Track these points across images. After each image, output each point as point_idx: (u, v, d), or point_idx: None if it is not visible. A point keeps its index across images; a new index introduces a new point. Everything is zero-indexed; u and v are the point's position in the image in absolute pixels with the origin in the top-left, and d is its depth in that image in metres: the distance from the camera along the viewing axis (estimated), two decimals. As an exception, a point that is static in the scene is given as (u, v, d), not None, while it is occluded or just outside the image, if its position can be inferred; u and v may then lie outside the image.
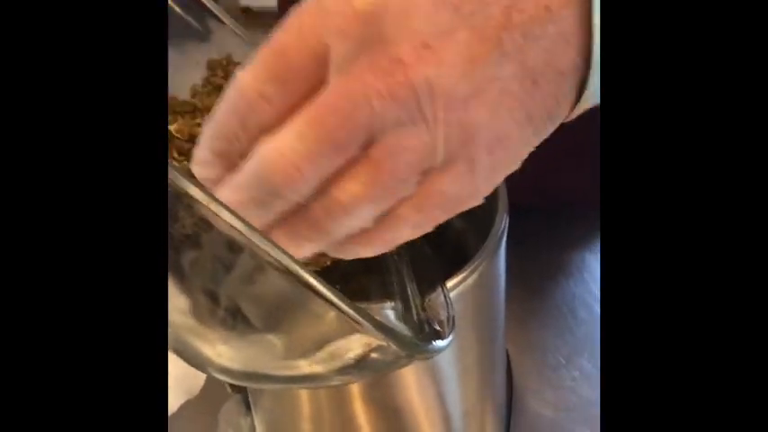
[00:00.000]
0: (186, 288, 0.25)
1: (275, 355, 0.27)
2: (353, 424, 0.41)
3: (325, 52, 0.23)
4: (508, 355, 0.51)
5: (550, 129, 0.26)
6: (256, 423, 0.46)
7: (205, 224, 0.22)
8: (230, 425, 0.50)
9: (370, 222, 0.25)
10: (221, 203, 0.21)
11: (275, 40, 0.24)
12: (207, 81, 0.36)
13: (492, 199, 0.38)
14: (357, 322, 0.23)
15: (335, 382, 0.28)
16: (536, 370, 0.51)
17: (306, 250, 0.26)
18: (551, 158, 0.58)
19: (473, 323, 0.37)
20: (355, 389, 0.39)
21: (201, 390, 0.49)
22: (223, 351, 0.27)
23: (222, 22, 0.35)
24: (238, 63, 0.36)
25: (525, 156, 0.26)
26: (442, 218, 0.26)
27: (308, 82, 0.24)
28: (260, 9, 1.38)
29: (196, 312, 0.26)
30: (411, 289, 0.33)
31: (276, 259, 0.22)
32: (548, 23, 0.24)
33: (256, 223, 0.24)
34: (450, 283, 0.34)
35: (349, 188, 0.24)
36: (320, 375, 0.27)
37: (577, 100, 0.26)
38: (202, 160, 0.26)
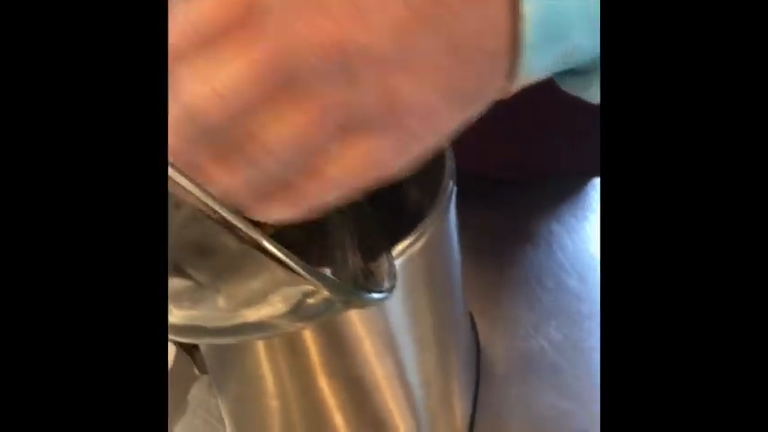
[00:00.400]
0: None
1: (215, 307, 0.27)
2: (319, 397, 0.41)
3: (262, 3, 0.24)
4: (475, 326, 0.52)
5: (479, 107, 0.26)
6: (221, 406, 0.47)
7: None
8: (201, 406, 0.50)
9: (293, 173, 0.25)
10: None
11: None
12: None
13: (440, 165, 0.38)
14: (289, 268, 0.24)
15: (277, 329, 0.29)
16: (504, 340, 0.51)
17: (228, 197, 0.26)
18: (521, 131, 0.59)
19: (425, 289, 0.37)
20: (316, 362, 0.39)
21: (170, 372, 0.49)
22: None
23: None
24: None
25: (452, 130, 0.27)
26: (364, 181, 0.26)
27: (245, 28, 0.24)
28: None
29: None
30: (351, 248, 0.33)
31: (205, 204, 0.23)
32: (476, 5, 0.24)
33: (186, 162, 0.24)
34: (397, 248, 0.34)
35: (270, 127, 0.24)
36: (261, 324, 0.28)
37: (511, 80, 0.26)
38: None
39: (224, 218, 0.24)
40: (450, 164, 0.38)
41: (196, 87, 0.24)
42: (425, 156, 0.27)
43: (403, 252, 0.34)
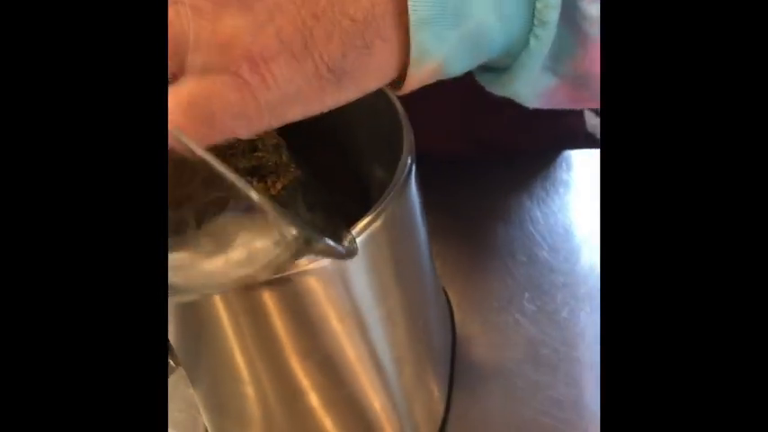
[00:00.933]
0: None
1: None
2: (293, 380, 0.41)
3: None
4: (449, 302, 0.52)
5: (346, 85, 0.25)
6: (197, 397, 0.46)
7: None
8: (179, 397, 0.50)
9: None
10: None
11: None
12: None
13: (398, 143, 0.38)
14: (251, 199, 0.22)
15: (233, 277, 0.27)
16: (478, 314, 0.51)
17: None
18: (488, 109, 0.59)
19: (389, 266, 0.37)
20: (287, 345, 0.39)
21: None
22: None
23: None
24: None
25: (309, 103, 0.25)
26: (188, 131, 0.23)
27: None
28: None
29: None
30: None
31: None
32: None
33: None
34: (358, 226, 0.34)
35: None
36: (218, 272, 0.26)
37: (401, 59, 0.25)
38: None
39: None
40: (408, 138, 0.38)
41: None
42: (259, 121, 0.24)
43: (364, 229, 0.34)
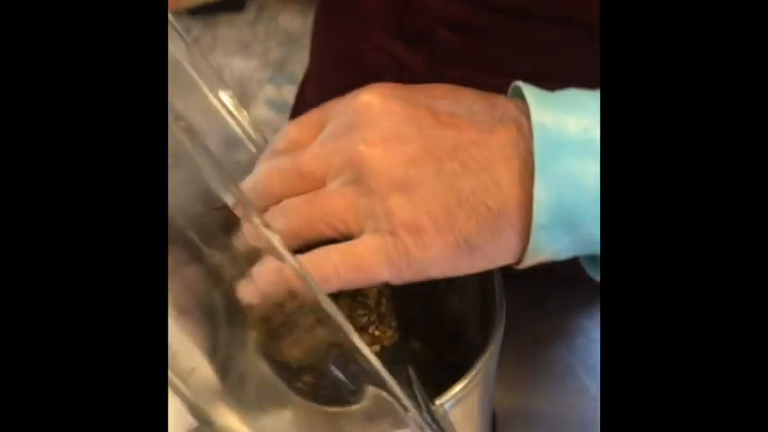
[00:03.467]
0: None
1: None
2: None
3: (327, 123, 0.34)
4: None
5: (477, 257, 0.32)
6: None
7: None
8: None
9: (292, 240, 0.32)
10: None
11: (315, 109, 0.36)
12: None
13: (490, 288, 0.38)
14: (407, 409, 0.29)
15: None
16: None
17: None
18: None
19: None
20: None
21: None
22: (257, 423, 0.32)
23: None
24: None
25: (448, 267, 0.32)
26: (353, 272, 0.32)
27: (313, 136, 0.34)
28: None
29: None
30: (426, 401, 0.33)
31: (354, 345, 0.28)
32: (486, 168, 0.32)
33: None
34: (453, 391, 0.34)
35: (293, 201, 0.33)
36: None
37: (521, 248, 0.32)
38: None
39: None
40: (500, 295, 0.38)
41: (262, 167, 0.35)
42: (408, 273, 0.32)
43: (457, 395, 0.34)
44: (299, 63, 1.61)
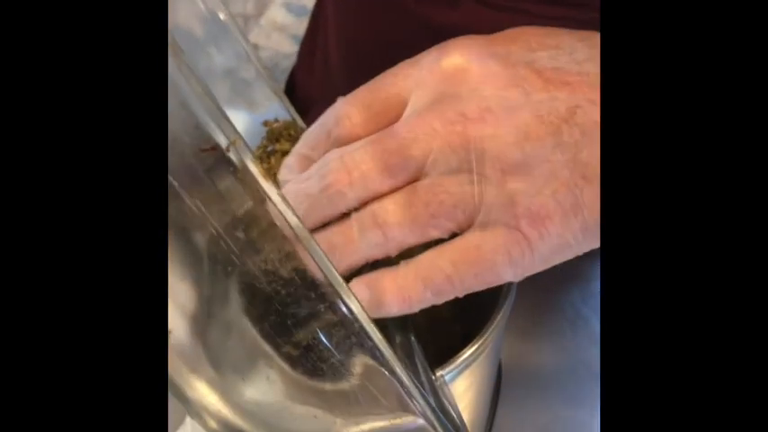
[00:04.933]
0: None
1: (302, 416, 0.27)
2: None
3: (408, 97, 0.28)
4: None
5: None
6: None
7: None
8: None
9: (395, 249, 0.27)
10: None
11: (374, 80, 0.29)
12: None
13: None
14: (411, 397, 0.24)
15: None
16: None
17: (335, 258, 0.27)
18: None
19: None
20: None
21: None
22: (245, 399, 0.28)
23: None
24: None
25: (572, 252, 0.27)
26: (476, 279, 0.27)
27: (388, 116, 0.28)
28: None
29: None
30: (428, 374, 0.30)
31: (351, 312, 0.23)
32: None
33: (305, 220, 0.26)
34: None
35: (385, 205, 0.27)
36: None
37: None
38: (288, 163, 0.30)
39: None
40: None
41: (332, 163, 0.27)
42: (531, 269, 0.27)
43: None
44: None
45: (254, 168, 0.23)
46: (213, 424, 0.28)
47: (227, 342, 0.29)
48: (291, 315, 0.25)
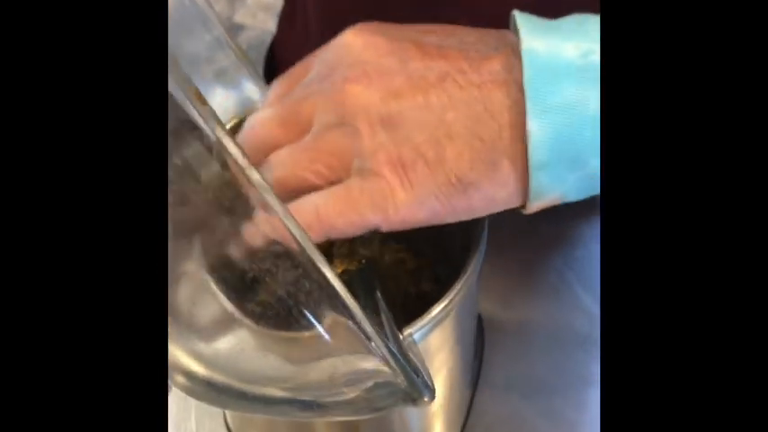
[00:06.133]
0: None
1: (270, 364, 0.28)
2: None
3: (311, 68, 0.32)
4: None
5: (472, 195, 0.29)
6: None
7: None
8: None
9: (283, 192, 0.30)
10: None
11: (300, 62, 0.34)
12: None
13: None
14: (374, 343, 0.25)
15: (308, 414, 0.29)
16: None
17: None
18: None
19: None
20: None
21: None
22: (206, 350, 0.28)
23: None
24: None
25: (439, 204, 0.29)
26: (341, 218, 0.29)
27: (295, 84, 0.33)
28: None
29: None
30: (393, 328, 0.30)
31: (309, 258, 0.24)
32: (476, 97, 0.28)
33: None
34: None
35: (280, 152, 0.31)
36: (299, 402, 0.28)
37: (523, 191, 0.29)
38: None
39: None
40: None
41: (251, 121, 0.33)
42: (396, 216, 0.29)
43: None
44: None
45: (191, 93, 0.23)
46: (181, 379, 0.28)
47: (182, 292, 0.29)
48: (236, 246, 0.25)
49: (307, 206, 0.29)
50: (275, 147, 0.31)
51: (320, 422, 0.38)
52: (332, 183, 0.30)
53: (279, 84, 0.34)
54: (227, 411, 0.45)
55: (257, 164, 0.30)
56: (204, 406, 0.46)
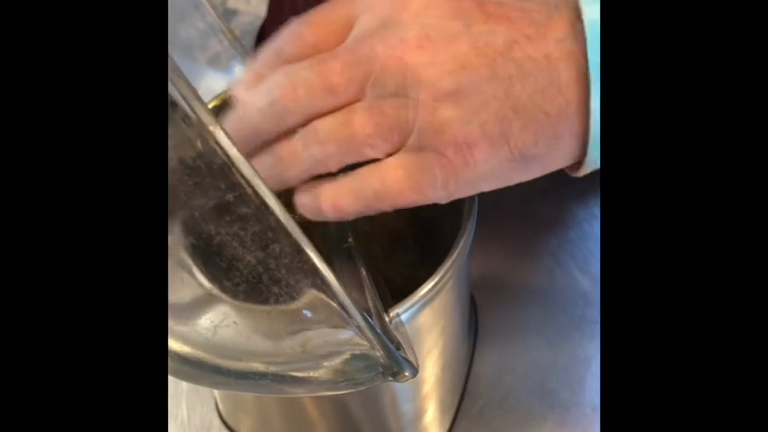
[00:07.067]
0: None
1: (243, 338, 0.27)
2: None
3: (353, 21, 0.29)
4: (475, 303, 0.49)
5: (532, 167, 0.29)
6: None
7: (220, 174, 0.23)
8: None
9: (334, 165, 0.28)
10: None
11: (327, 2, 0.30)
12: None
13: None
14: (348, 314, 0.24)
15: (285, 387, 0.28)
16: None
17: (280, 177, 0.29)
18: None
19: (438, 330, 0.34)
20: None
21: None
22: (178, 325, 0.27)
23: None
24: None
25: (498, 181, 0.29)
26: (401, 197, 0.28)
27: (338, 37, 0.29)
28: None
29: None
30: (377, 305, 0.29)
31: (285, 229, 0.23)
32: (543, 68, 0.27)
33: (256, 134, 0.29)
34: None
35: (326, 122, 0.28)
36: (273, 375, 0.27)
37: (579, 158, 0.29)
38: (242, 80, 0.30)
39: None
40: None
41: (280, 79, 0.28)
42: (456, 192, 0.28)
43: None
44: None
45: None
46: None
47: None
48: (202, 206, 0.24)
49: (365, 185, 0.28)
50: (320, 113, 0.28)
51: (311, 407, 0.38)
52: (389, 154, 0.28)
53: (306, 29, 0.30)
54: (218, 398, 0.45)
55: (297, 126, 0.28)
56: (195, 392, 0.46)
